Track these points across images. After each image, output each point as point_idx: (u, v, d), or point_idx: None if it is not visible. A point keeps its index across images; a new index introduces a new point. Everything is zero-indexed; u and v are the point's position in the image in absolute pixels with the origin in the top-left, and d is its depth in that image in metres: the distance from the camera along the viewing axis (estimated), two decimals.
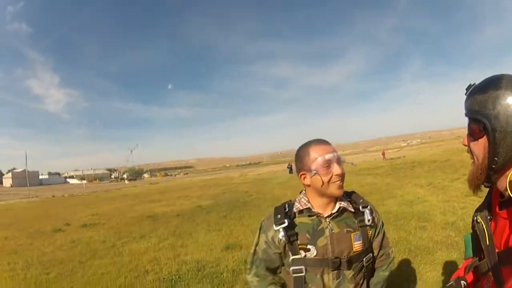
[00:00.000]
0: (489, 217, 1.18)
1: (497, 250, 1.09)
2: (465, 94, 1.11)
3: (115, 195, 29.93)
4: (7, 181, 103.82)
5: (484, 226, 1.17)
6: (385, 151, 54.92)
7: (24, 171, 78.95)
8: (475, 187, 1.13)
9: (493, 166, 1.03)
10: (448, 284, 1.30)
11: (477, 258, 1.24)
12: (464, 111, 1.11)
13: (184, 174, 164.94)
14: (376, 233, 1.66)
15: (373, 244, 1.66)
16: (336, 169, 1.48)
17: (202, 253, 6.48)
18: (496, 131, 0.99)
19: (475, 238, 1.23)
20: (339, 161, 1.51)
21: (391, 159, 38.65)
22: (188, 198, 19.20)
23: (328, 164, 1.48)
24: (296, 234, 1.52)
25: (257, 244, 1.67)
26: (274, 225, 1.55)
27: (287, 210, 1.60)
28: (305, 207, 1.57)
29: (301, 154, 1.57)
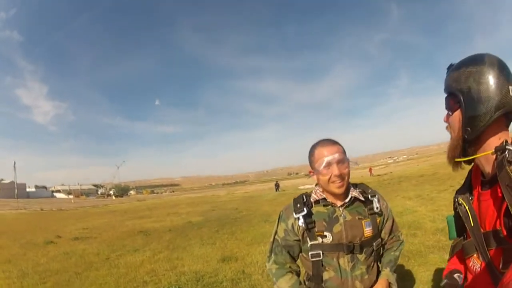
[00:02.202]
0: (470, 198, 1.25)
1: (482, 231, 1.14)
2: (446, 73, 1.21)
3: (103, 211, 29.51)
4: None
5: (466, 207, 1.23)
6: (372, 168, 55.54)
7: (12, 182, 77.12)
8: (451, 159, 1.21)
9: (466, 137, 1.13)
10: (442, 283, 1.35)
11: (461, 238, 1.32)
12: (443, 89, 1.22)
13: (171, 192, 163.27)
14: (385, 220, 1.84)
15: (384, 230, 1.85)
16: (334, 169, 1.64)
17: (199, 265, 6.50)
18: (468, 103, 1.09)
19: (458, 219, 1.30)
20: (340, 162, 1.66)
21: (378, 175, 39.05)
22: (177, 214, 19.01)
23: (328, 165, 1.65)
24: (314, 222, 1.70)
25: (276, 233, 1.85)
26: (294, 213, 1.73)
27: (305, 200, 1.78)
28: (320, 197, 1.75)
29: (309, 153, 1.76)
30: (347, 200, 1.73)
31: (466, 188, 1.29)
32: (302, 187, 37.28)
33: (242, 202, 23.99)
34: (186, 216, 17.31)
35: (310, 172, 1.78)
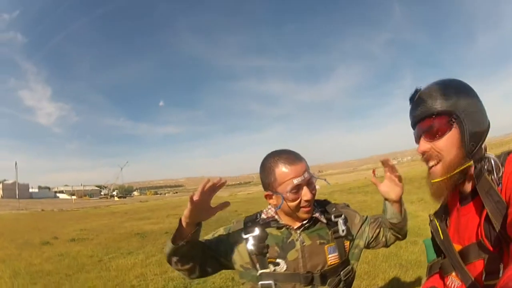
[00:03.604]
0: (443, 216, 1.23)
1: (461, 247, 1.09)
2: (414, 99, 1.14)
3: (104, 212, 29.58)
4: None
5: (437, 223, 1.21)
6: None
7: (14, 183, 77.47)
8: (448, 186, 1.09)
9: (472, 151, 1.05)
10: None
11: (440, 258, 1.25)
12: (417, 115, 1.12)
13: (174, 193, 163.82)
14: (359, 236, 1.54)
15: (371, 240, 1.55)
16: (305, 193, 1.33)
17: None
18: (469, 118, 1.04)
19: (434, 239, 1.25)
20: (310, 183, 1.36)
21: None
22: (177, 216, 18.62)
23: (296, 189, 1.32)
24: (267, 246, 1.39)
25: (213, 234, 1.51)
26: (242, 233, 1.42)
27: (258, 219, 1.48)
28: (271, 218, 1.45)
29: (266, 170, 1.40)
30: (305, 221, 1.42)
31: (442, 210, 1.26)
32: None
33: (243, 204, 23.76)
34: None
35: (266, 195, 1.43)
